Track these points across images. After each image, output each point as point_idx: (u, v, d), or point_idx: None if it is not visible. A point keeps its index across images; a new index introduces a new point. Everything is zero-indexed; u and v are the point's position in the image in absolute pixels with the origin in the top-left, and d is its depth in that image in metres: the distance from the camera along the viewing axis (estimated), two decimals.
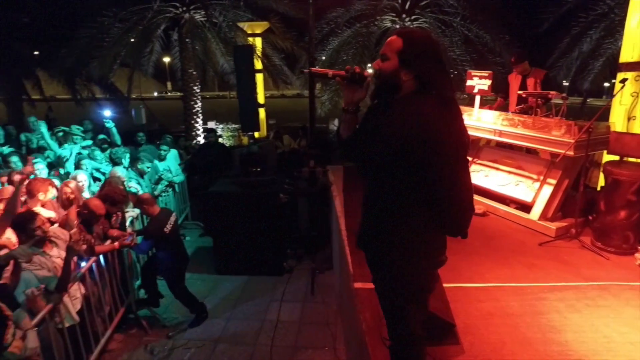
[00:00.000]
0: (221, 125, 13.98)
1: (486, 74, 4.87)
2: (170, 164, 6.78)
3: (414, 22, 11.19)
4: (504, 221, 4.52)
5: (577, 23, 10.54)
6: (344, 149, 1.85)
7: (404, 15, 11.29)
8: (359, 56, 10.52)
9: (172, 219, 4.37)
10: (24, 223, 3.17)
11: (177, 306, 4.79)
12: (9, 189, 4.08)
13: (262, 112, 11.29)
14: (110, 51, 10.11)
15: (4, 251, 3.05)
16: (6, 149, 5.86)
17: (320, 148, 8.01)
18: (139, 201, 4.44)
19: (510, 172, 4.72)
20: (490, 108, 5.22)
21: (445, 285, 2.64)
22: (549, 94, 4.48)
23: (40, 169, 4.79)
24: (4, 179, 4.52)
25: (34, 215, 3.24)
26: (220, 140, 13.07)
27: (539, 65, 5.42)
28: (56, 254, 3.35)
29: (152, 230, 4.23)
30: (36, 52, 11.96)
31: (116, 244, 3.97)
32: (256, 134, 9.51)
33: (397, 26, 11.17)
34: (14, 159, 5.14)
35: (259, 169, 5.67)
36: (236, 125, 12.99)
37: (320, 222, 6.05)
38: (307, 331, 4.35)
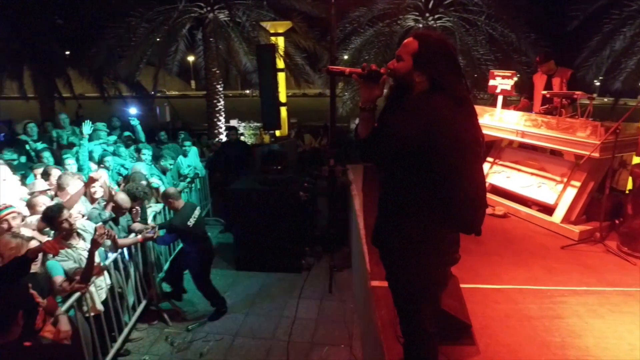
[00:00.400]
0: (243, 124, 14.15)
1: (509, 74, 4.80)
2: (192, 160, 6.91)
3: (437, 22, 11.07)
4: (525, 223, 4.45)
5: (610, 20, 10.21)
6: (362, 148, 1.88)
7: (427, 14, 11.17)
8: (381, 55, 10.47)
9: (196, 212, 4.47)
10: (52, 216, 3.32)
11: (197, 300, 4.91)
12: (40, 182, 4.28)
13: (283, 111, 11.38)
14: (137, 51, 10.38)
15: (34, 243, 3.20)
16: (40, 145, 6.11)
17: (341, 147, 8.03)
18: (164, 195, 4.56)
19: (532, 174, 4.63)
20: (515, 109, 5.14)
21: (462, 285, 2.63)
22: (574, 94, 4.38)
23: (70, 164, 4.97)
24: (38, 171, 4.73)
25: (61, 208, 3.38)
26: (242, 138, 13.24)
27: (566, 65, 5.29)
28: (83, 247, 3.50)
29: (175, 224, 4.34)
30: (67, 52, 12.37)
31: (139, 237, 4.10)
32: (277, 133, 9.59)
33: (420, 25, 11.06)
34: (46, 154, 5.36)
35: (279, 167, 5.74)
36: (258, 124, 13.13)
37: (339, 220, 6.08)
38: (324, 328, 4.39)
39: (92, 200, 4.39)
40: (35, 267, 3.04)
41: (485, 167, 5.24)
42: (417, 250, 1.77)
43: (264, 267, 5.61)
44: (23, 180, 4.68)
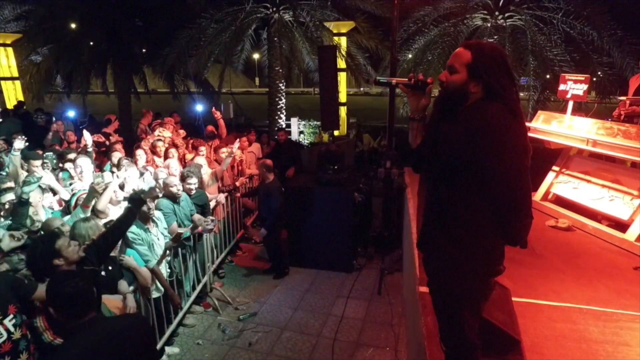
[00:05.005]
0: (303, 122, 14.40)
1: (582, 78, 4.48)
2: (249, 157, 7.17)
3: (508, 20, 10.53)
4: (592, 238, 4.14)
5: None
6: (414, 158, 1.89)
7: (496, 13, 10.66)
8: (445, 56, 10.15)
9: None
10: (136, 198, 3.67)
11: (249, 291, 5.12)
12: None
13: (343, 111, 11.43)
14: (205, 49, 10.92)
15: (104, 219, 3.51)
16: None
17: (399, 149, 7.93)
18: (262, 165, 5.48)
19: (604, 186, 4.30)
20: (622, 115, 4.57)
21: (514, 299, 2.53)
22: None
23: (140, 155, 5.38)
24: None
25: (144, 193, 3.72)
26: (301, 136, 13.51)
27: None
28: (155, 233, 3.81)
29: (278, 188, 5.41)
30: (144, 50, 13.34)
31: (199, 228, 4.35)
32: (336, 132, 9.66)
33: (489, 25, 10.59)
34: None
35: (336, 167, 5.81)
36: (317, 122, 13.31)
37: (393, 223, 6.04)
38: (370, 329, 4.40)
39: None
40: (114, 250, 3.35)
41: (550, 176, 4.94)
42: (461, 258, 1.76)
43: (315, 264, 5.71)
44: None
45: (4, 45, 12.40)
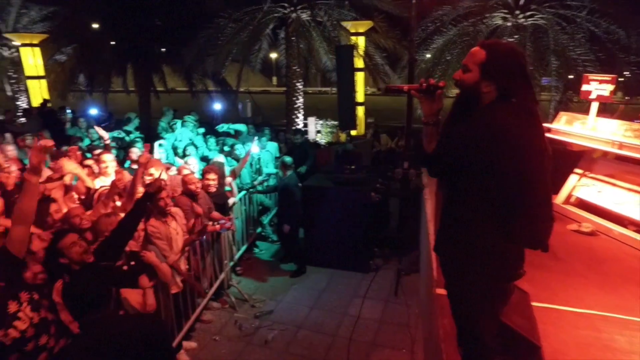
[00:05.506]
0: (320, 121, 14.41)
1: (608, 78, 4.36)
2: (267, 156, 7.21)
3: (529, 19, 10.34)
4: (618, 244, 4.04)
5: None
6: (429, 163, 1.88)
7: (517, 12, 10.48)
8: (463, 56, 9.97)
9: None
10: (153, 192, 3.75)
11: (265, 289, 5.15)
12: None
13: (360, 111, 11.40)
14: (223, 49, 11.04)
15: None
16: (132, 135, 6.81)
17: (417, 149, 7.85)
18: (281, 161, 5.66)
19: (630, 190, 4.19)
20: None
21: (534, 304, 2.48)
22: None
23: (162, 151, 5.47)
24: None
25: (162, 188, 3.79)
26: (318, 136, 13.51)
27: None
28: (174, 226, 3.87)
29: (295, 183, 5.58)
30: (163, 50, 13.57)
31: (217, 226, 4.40)
32: (353, 132, 9.64)
33: (509, 24, 10.41)
34: (139, 145, 5.94)
35: (353, 167, 5.80)
36: (335, 122, 13.30)
37: (410, 224, 5.99)
38: (386, 330, 4.38)
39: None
40: (136, 246, 3.42)
41: (572, 179, 4.83)
42: (481, 263, 1.74)
43: (331, 263, 5.71)
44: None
45: (31, 45, 12.80)
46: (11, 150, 5.00)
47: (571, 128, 4.60)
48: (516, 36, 10.03)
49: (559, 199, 4.83)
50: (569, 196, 4.81)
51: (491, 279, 1.76)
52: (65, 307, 1.92)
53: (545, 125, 4.13)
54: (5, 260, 2.18)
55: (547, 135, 2.37)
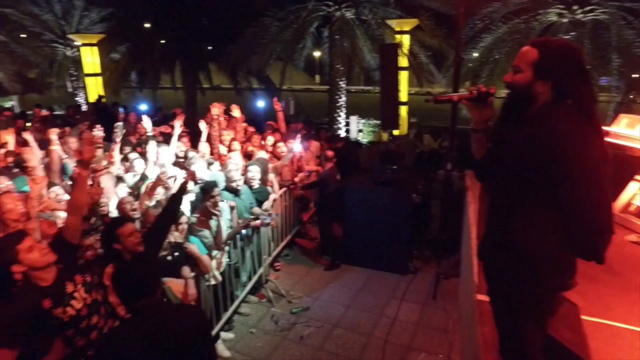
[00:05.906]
0: (363, 120, 14.33)
1: None
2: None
3: (588, 14, 9.74)
4: None
5: None
6: (478, 169, 1.81)
7: (574, 7, 9.90)
8: (513, 55, 9.57)
9: None
10: (207, 189, 3.94)
11: (303, 286, 5.19)
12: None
13: (403, 110, 11.22)
14: (268, 47, 11.22)
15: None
16: None
17: (461, 151, 7.62)
18: (325, 157, 5.91)
19: None
20: None
21: (584, 317, 2.33)
22: None
23: (207, 146, 5.65)
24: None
25: (215, 187, 3.95)
26: (360, 135, 13.45)
27: None
28: (214, 224, 3.99)
29: (334, 176, 5.72)
30: (210, 47, 13.98)
31: (257, 222, 4.48)
32: (396, 132, 9.50)
33: (565, 20, 9.87)
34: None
35: (394, 167, 5.72)
36: (377, 121, 13.19)
37: (451, 227, 5.83)
38: (423, 334, 4.29)
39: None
40: (180, 238, 3.55)
41: (633, 186, 4.51)
42: (528, 269, 1.65)
43: (370, 263, 5.66)
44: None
45: (90, 44, 13.64)
46: (73, 142, 5.32)
47: (633, 131, 4.29)
48: (572, 33, 9.48)
49: (618, 207, 4.51)
50: (628, 204, 4.49)
51: (540, 287, 1.66)
52: (114, 290, 2.05)
53: (604, 128, 3.88)
54: (62, 246, 2.38)
55: (606, 139, 2.22)
